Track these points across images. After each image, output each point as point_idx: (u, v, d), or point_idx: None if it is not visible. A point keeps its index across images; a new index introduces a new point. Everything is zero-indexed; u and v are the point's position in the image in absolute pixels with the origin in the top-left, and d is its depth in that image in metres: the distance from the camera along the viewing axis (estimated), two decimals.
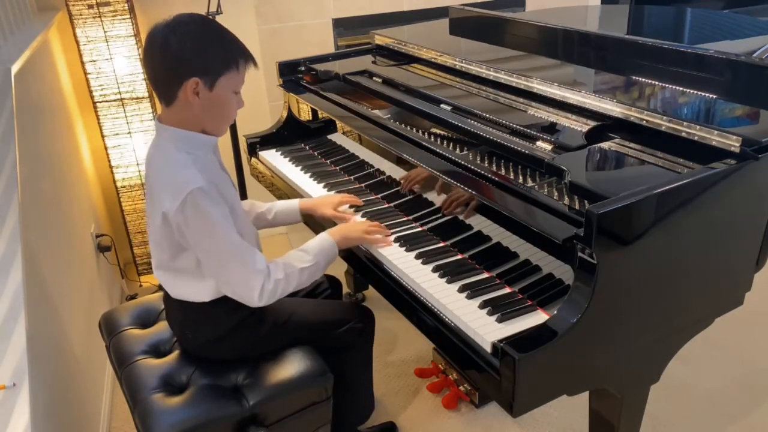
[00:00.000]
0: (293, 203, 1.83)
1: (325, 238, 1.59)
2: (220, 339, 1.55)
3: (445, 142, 1.70)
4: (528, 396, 1.19)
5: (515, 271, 1.43)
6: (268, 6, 2.90)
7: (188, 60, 1.32)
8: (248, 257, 1.41)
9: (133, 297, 2.86)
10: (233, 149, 2.71)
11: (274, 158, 2.25)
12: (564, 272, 1.34)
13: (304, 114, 2.32)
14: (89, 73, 2.63)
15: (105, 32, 2.58)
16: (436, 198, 1.68)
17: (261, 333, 1.58)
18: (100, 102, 2.68)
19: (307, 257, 1.53)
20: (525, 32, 2.22)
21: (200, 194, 1.32)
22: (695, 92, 1.61)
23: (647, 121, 1.50)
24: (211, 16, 2.44)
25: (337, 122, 2.17)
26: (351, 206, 1.82)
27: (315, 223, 1.89)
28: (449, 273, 1.46)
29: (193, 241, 1.38)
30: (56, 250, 1.92)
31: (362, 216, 1.76)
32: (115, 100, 2.69)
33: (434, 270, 1.48)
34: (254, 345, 1.58)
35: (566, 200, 1.32)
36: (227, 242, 1.38)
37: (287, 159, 2.23)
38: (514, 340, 1.18)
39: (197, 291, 1.50)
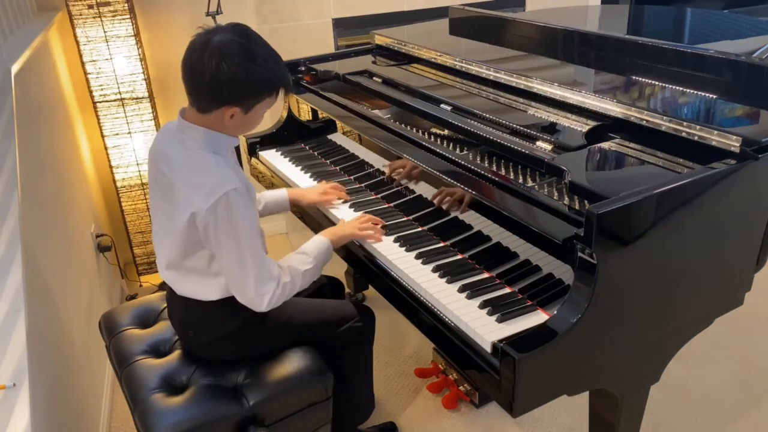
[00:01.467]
0: (281, 192, 1.88)
1: (321, 240, 1.62)
2: (221, 339, 1.55)
3: (445, 142, 1.70)
4: (528, 396, 1.19)
5: (515, 271, 1.43)
6: (268, 6, 2.90)
7: (235, 93, 1.35)
8: (265, 264, 1.43)
9: (133, 297, 2.86)
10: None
11: (274, 158, 2.25)
12: (564, 272, 1.34)
13: (304, 114, 2.32)
14: (89, 73, 2.63)
15: (105, 32, 2.58)
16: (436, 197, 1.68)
17: (262, 333, 1.58)
18: (100, 102, 2.68)
19: (308, 259, 1.55)
20: (525, 32, 2.22)
21: (235, 196, 1.34)
22: (695, 92, 1.61)
23: (647, 121, 1.50)
24: (210, 16, 2.45)
25: (337, 122, 2.17)
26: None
27: (311, 219, 1.92)
28: (449, 273, 1.46)
29: (217, 242, 1.38)
30: (56, 250, 1.92)
31: (362, 216, 1.76)
32: (115, 100, 2.69)
33: (434, 270, 1.48)
34: (255, 345, 1.59)
35: (566, 200, 1.32)
36: (250, 248, 1.39)
37: (287, 159, 2.23)
38: (514, 340, 1.18)
39: (205, 289, 1.50)
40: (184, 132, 1.42)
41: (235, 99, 1.36)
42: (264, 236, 1.63)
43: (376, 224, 1.68)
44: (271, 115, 2.98)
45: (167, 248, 1.48)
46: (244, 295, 1.44)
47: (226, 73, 1.31)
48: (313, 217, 1.90)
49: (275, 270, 1.45)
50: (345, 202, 1.86)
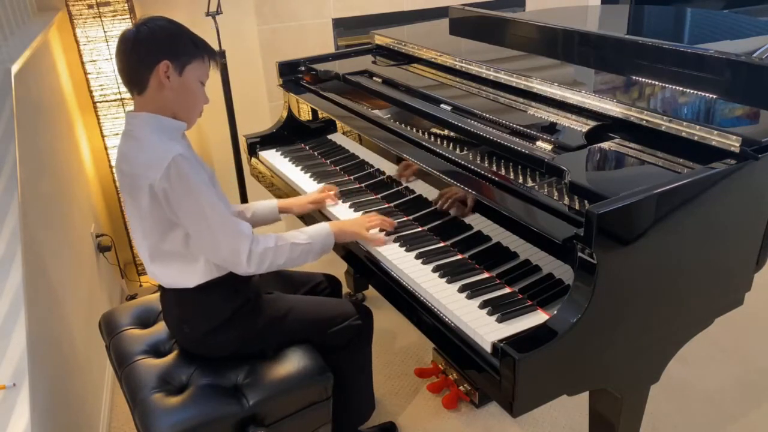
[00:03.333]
0: (272, 202, 1.88)
1: (323, 225, 1.64)
2: (216, 330, 1.55)
3: (445, 142, 1.70)
4: (528, 396, 1.19)
5: (515, 271, 1.43)
6: (268, 6, 2.90)
7: (159, 44, 1.41)
8: (232, 221, 1.46)
9: (133, 297, 2.86)
10: (233, 149, 2.71)
11: (274, 158, 2.25)
12: (564, 272, 1.34)
13: (304, 114, 2.32)
14: (89, 73, 2.63)
15: (105, 32, 2.58)
16: (436, 198, 1.68)
17: (258, 326, 1.58)
18: (100, 102, 2.68)
19: (301, 236, 1.57)
20: (525, 32, 2.22)
21: (181, 160, 1.38)
22: (695, 92, 1.61)
23: (647, 121, 1.50)
24: (210, 16, 2.45)
25: (337, 122, 2.17)
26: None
27: (311, 219, 1.92)
28: (449, 273, 1.46)
29: (178, 207, 1.41)
30: (56, 250, 1.92)
31: (362, 216, 1.76)
32: (115, 100, 2.69)
33: (434, 270, 1.48)
34: (252, 339, 1.59)
35: (566, 200, 1.32)
36: (210, 206, 1.42)
37: (287, 159, 2.23)
38: (514, 340, 1.18)
39: (188, 274, 1.51)
40: (130, 124, 1.47)
41: (161, 51, 1.41)
42: (230, 205, 1.62)
43: (386, 223, 1.66)
44: (271, 115, 2.99)
45: (144, 239, 1.50)
46: (218, 253, 1.47)
47: (146, 32, 1.40)
48: (313, 218, 1.90)
49: (246, 229, 1.48)
50: (344, 201, 1.86)
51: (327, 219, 1.84)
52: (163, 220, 1.45)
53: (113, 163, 2.77)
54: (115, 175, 1.57)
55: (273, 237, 1.52)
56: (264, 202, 1.86)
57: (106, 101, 2.69)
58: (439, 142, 1.70)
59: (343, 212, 1.82)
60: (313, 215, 1.91)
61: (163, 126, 1.45)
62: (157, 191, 1.40)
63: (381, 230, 1.66)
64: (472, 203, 1.54)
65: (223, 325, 1.55)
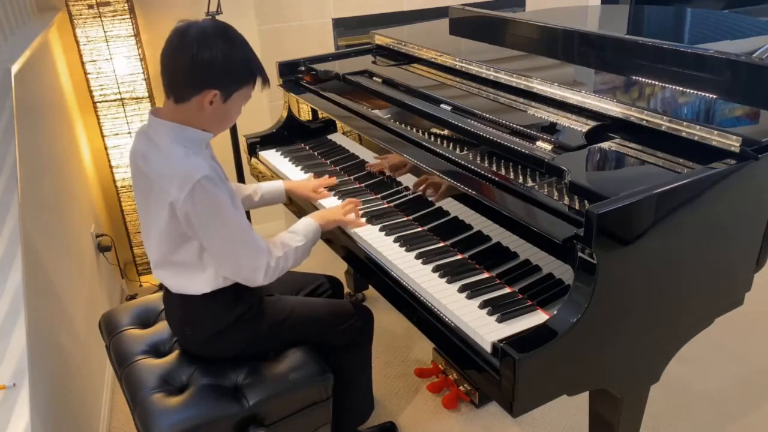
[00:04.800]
0: (278, 183, 1.93)
1: (309, 221, 1.67)
2: (219, 335, 1.55)
3: (445, 142, 1.70)
4: (528, 396, 1.19)
5: (515, 271, 1.43)
6: (268, 6, 2.90)
7: (215, 74, 1.37)
8: (253, 239, 1.46)
9: (133, 297, 2.86)
10: (233, 149, 2.71)
11: (274, 158, 2.25)
12: (564, 272, 1.34)
13: (304, 114, 2.32)
14: (89, 73, 2.63)
15: (105, 32, 2.58)
16: (436, 198, 1.68)
17: (260, 330, 1.58)
18: (100, 102, 2.68)
19: (297, 237, 1.60)
20: (525, 32, 2.22)
21: (207, 182, 1.36)
22: (695, 92, 1.61)
23: (647, 121, 1.50)
24: (210, 16, 2.45)
25: (337, 122, 2.17)
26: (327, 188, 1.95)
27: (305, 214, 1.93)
28: (449, 273, 1.46)
29: (201, 228, 1.40)
30: (56, 250, 1.92)
31: (362, 216, 1.76)
32: (115, 100, 2.69)
33: (434, 270, 1.48)
34: (254, 342, 1.59)
35: (566, 200, 1.32)
36: (235, 225, 1.43)
37: (287, 159, 2.23)
38: (514, 340, 1.18)
39: (197, 282, 1.50)
40: (153, 129, 1.44)
41: (215, 81, 1.37)
42: (244, 213, 1.64)
43: (352, 204, 1.75)
44: (271, 115, 2.99)
45: (156, 246, 1.49)
46: (239, 273, 1.48)
47: (206, 55, 1.34)
48: (304, 210, 1.93)
49: (262, 243, 1.49)
50: (342, 200, 1.87)
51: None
52: (179, 234, 1.44)
53: (113, 163, 2.77)
54: (130, 170, 1.55)
55: (278, 245, 1.54)
56: (271, 183, 1.92)
57: (106, 101, 2.69)
58: (439, 142, 1.70)
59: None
60: (305, 208, 1.93)
61: (188, 138, 1.41)
62: (177, 211, 1.37)
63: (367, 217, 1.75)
64: (445, 188, 1.56)
65: (226, 329, 1.55)
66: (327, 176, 1.98)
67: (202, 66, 1.35)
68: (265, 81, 1.47)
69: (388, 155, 1.82)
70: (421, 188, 1.71)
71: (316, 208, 1.88)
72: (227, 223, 1.41)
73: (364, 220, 1.73)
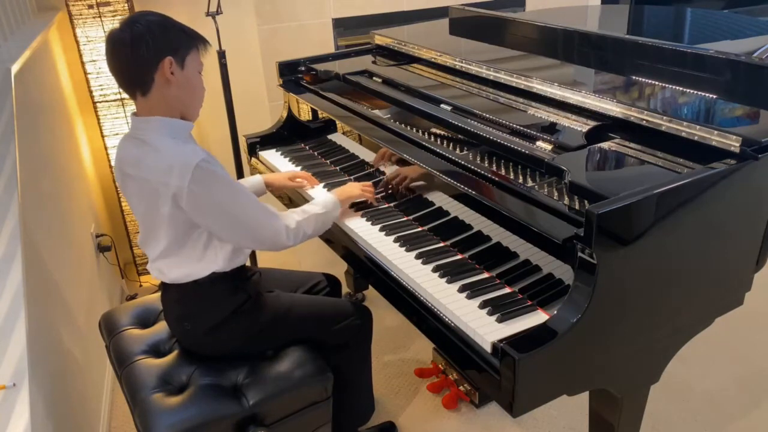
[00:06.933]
0: (257, 178, 1.95)
1: (328, 194, 1.74)
2: (218, 327, 1.55)
3: (445, 142, 1.70)
4: (528, 396, 1.19)
5: (515, 271, 1.43)
6: (268, 6, 2.90)
7: (159, 41, 1.39)
8: (263, 205, 1.51)
9: (133, 297, 2.86)
10: (233, 149, 2.71)
11: (274, 158, 2.25)
12: (564, 272, 1.34)
13: (304, 114, 2.32)
14: (89, 73, 2.63)
15: (105, 32, 2.57)
16: (437, 198, 1.68)
17: (259, 324, 1.59)
18: (100, 102, 2.68)
19: (316, 207, 1.65)
20: (525, 32, 2.22)
21: (205, 164, 1.38)
22: (695, 92, 1.61)
23: (647, 121, 1.50)
24: (210, 16, 2.45)
25: (337, 122, 2.17)
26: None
27: (294, 205, 1.97)
28: (449, 273, 1.46)
29: (214, 207, 1.42)
30: (56, 250, 1.92)
31: (362, 215, 1.76)
32: (115, 100, 2.69)
33: (434, 270, 1.48)
34: (253, 337, 1.59)
35: (566, 200, 1.32)
36: (243, 194, 1.47)
37: (287, 159, 2.23)
38: (514, 340, 1.18)
39: (195, 269, 1.51)
40: (139, 129, 1.45)
41: (161, 46, 1.39)
42: None
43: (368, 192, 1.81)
44: (271, 115, 2.99)
45: (159, 244, 1.50)
46: (261, 238, 1.52)
47: (143, 31, 1.37)
48: (296, 203, 1.96)
49: (271, 207, 1.54)
50: (324, 185, 1.96)
51: (306, 201, 1.89)
52: (184, 223, 1.44)
53: (114, 163, 2.77)
54: (117, 179, 1.56)
55: (298, 210, 1.61)
56: (251, 178, 1.96)
57: (106, 101, 2.69)
58: (439, 142, 1.70)
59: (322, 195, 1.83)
60: (296, 201, 1.96)
61: (175, 129, 1.44)
62: (182, 200, 1.38)
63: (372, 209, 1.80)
64: (466, 200, 1.55)
65: (224, 322, 1.55)
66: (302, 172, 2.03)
67: (144, 41, 1.37)
68: (206, 42, 1.50)
69: (396, 165, 1.84)
70: (398, 180, 1.79)
71: (305, 199, 1.92)
72: (236, 192, 1.45)
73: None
